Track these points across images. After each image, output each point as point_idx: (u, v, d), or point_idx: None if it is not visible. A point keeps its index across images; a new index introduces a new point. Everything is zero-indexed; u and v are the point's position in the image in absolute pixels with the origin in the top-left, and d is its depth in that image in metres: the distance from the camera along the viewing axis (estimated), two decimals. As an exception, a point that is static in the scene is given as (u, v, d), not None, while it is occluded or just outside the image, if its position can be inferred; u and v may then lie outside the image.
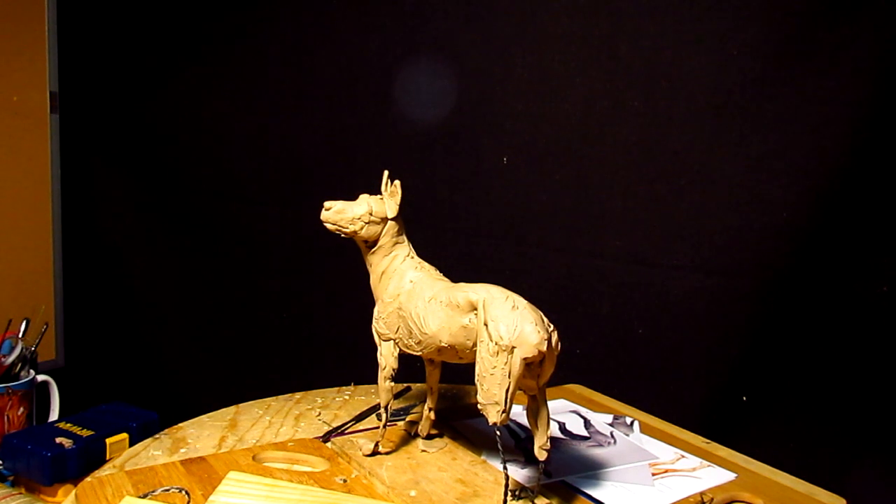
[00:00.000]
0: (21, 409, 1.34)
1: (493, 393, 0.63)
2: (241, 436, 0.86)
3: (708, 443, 0.90)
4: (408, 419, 0.90)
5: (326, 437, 0.85)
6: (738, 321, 1.13)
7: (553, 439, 0.80)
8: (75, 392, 1.51)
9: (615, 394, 1.07)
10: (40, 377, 1.39)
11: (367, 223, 0.76)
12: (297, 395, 0.99)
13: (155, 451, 0.81)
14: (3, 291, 1.65)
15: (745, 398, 1.13)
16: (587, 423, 0.95)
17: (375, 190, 0.79)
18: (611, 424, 0.95)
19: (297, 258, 1.61)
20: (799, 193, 1.07)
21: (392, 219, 0.77)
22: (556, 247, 1.28)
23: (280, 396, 0.99)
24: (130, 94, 1.77)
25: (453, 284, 0.74)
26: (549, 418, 0.69)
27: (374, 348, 0.79)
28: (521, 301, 0.65)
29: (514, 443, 0.87)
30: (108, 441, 1.22)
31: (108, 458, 1.21)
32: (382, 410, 0.80)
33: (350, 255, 0.83)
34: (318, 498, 0.68)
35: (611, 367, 1.23)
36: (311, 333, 1.62)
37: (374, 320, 0.79)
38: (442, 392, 0.84)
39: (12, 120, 1.68)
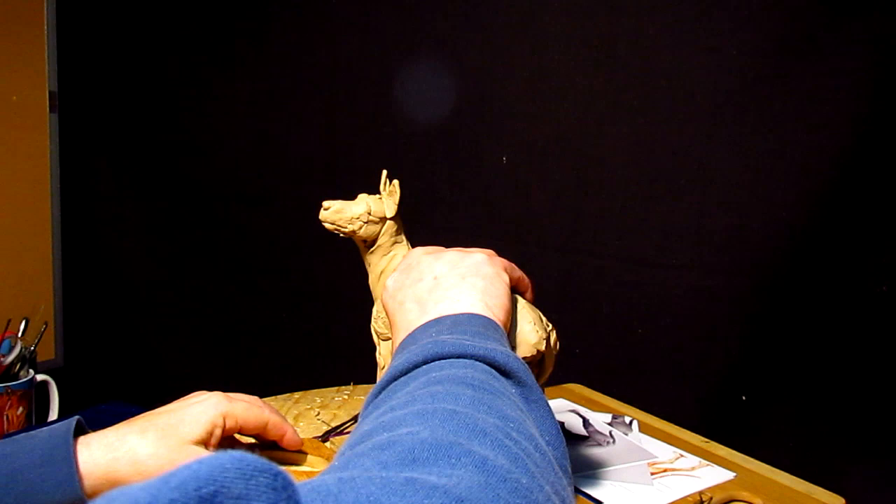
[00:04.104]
0: (20, 408, 1.33)
1: (491, 392, 0.62)
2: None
3: (707, 442, 0.90)
4: (407, 419, 0.90)
5: (326, 437, 0.85)
6: (738, 321, 1.13)
7: (552, 439, 0.80)
8: (74, 392, 1.51)
9: (614, 393, 1.07)
10: (39, 377, 1.39)
11: (365, 223, 0.76)
12: (297, 395, 0.99)
13: (154, 451, 0.81)
14: (2, 291, 1.65)
15: (744, 398, 1.13)
16: (586, 423, 0.95)
17: (375, 190, 0.79)
18: (610, 424, 0.95)
19: (297, 258, 1.61)
20: (799, 193, 1.07)
21: (391, 218, 0.77)
22: (556, 247, 1.28)
23: (279, 396, 0.98)
24: (130, 94, 1.77)
25: (452, 284, 0.73)
26: (548, 418, 0.68)
27: (374, 348, 0.79)
28: (519, 300, 0.65)
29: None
30: (107, 441, 1.22)
31: (107, 457, 1.20)
32: (381, 410, 0.80)
33: (349, 254, 0.83)
34: (316, 497, 0.68)
35: (610, 366, 1.23)
36: (310, 333, 1.62)
37: (372, 320, 0.79)
38: (441, 392, 0.84)
39: (12, 120, 1.68)
